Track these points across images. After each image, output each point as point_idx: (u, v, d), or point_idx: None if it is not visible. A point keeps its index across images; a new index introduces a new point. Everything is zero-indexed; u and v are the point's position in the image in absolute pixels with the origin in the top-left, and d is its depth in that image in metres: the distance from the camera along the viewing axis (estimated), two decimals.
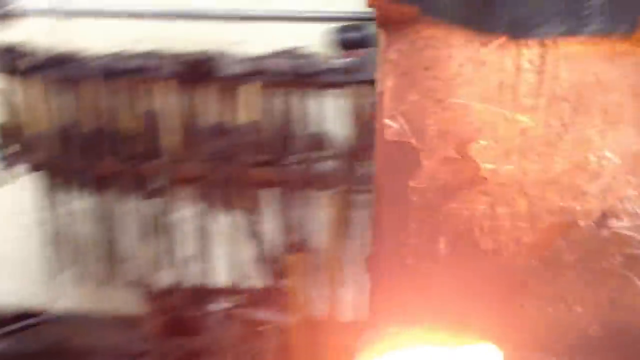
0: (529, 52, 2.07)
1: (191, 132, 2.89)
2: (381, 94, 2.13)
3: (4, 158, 2.76)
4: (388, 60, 2.12)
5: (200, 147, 2.89)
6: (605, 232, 2.08)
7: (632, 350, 2.11)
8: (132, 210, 2.98)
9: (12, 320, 3.08)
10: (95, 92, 2.68)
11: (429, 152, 2.12)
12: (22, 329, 3.10)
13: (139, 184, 2.94)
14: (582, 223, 2.09)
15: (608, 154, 2.07)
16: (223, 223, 3.04)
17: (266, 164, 2.87)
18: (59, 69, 2.63)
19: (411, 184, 2.14)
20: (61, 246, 2.93)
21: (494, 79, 2.09)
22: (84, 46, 2.70)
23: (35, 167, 2.78)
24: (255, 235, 2.95)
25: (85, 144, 2.81)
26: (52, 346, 3.01)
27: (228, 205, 2.94)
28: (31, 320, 3.15)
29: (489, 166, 2.11)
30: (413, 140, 2.12)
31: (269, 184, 2.91)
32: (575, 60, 2.07)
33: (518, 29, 2.06)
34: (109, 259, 3.02)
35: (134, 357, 3.01)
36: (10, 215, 2.91)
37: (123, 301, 3.12)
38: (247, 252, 3.02)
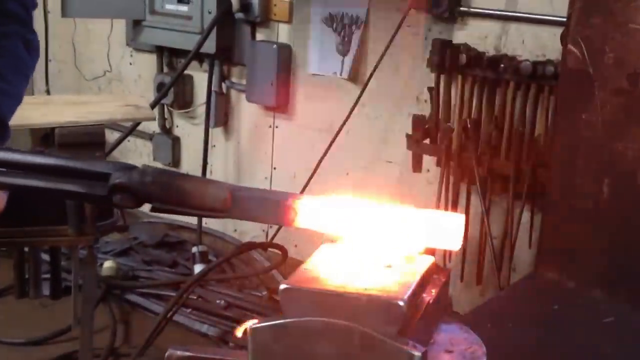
0: None
1: None
2: (569, 18, 1.99)
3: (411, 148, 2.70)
4: None
5: None
6: None
7: None
8: None
9: None
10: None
11: (603, 82, 1.91)
12: None
13: None
14: None
15: None
16: None
17: None
18: (487, 70, 2.46)
19: (584, 116, 1.95)
20: None
21: None
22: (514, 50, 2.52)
23: (441, 160, 2.63)
24: None
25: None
26: None
27: None
28: None
29: None
30: (590, 69, 1.93)
31: None
32: None
33: None
34: None
35: None
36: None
37: None
38: None
